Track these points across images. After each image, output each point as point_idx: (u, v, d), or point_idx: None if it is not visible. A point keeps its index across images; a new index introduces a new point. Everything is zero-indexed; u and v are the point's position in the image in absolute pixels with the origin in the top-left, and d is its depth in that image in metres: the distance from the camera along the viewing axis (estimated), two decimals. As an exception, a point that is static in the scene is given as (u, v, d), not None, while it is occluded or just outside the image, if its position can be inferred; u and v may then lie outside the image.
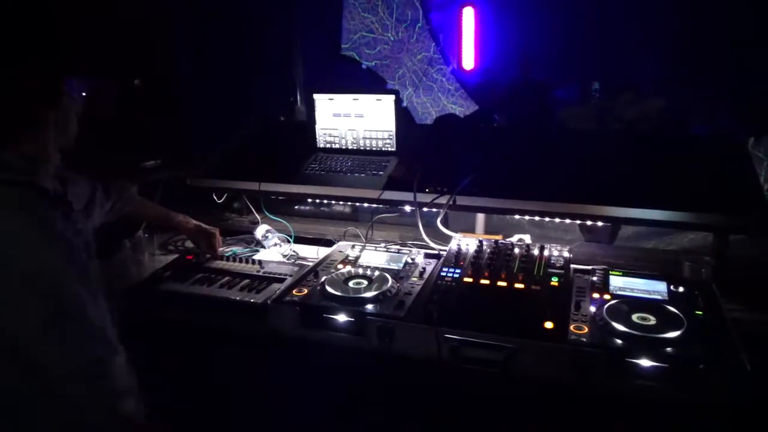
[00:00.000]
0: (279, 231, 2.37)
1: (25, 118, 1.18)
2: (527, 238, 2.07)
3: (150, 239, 2.26)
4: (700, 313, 1.64)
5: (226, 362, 1.87)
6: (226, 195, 2.49)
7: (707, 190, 1.83)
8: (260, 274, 2.04)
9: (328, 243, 2.31)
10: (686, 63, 2.35)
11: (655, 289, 1.78)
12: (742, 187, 1.84)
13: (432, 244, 2.15)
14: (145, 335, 1.53)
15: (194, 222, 2.24)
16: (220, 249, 2.24)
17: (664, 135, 2.13)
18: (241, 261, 2.13)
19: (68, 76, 1.25)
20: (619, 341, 1.52)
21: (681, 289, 1.76)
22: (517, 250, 1.95)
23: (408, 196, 2.06)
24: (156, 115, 2.38)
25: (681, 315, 1.59)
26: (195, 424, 1.92)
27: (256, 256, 2.20)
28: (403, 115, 2.31)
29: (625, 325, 1.55)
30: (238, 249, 2.30)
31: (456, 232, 2.13)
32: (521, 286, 1.76)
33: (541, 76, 2.45)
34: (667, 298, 1.73)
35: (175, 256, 2.24)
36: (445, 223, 2.12)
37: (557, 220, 2.03)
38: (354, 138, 2.32)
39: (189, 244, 2.33)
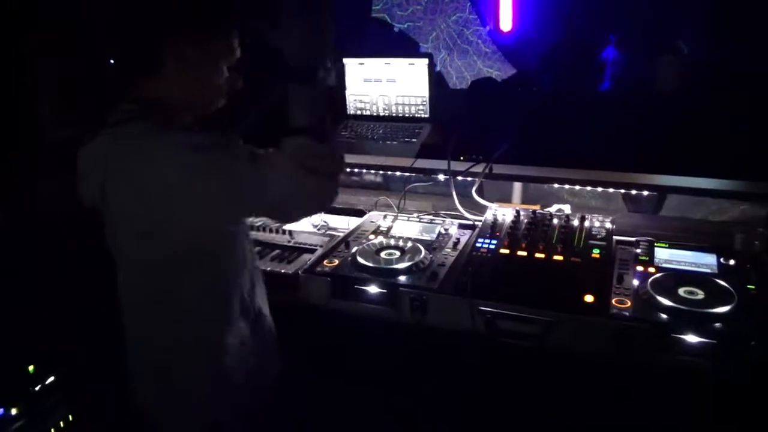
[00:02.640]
0: (310, 200, 2.34)
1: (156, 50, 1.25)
2: (567, 209, 2.00)
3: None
4: (753, 287, 1.57)
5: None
6: (256, 163, 2.46)
7: (761, 157, 1.72)
8: (291, 244, 2.04)
9: (359, 213, 2.28)
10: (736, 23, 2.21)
11: (703, 261, 1.71)
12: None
13: (466, 215, 2.10)
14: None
15: None
16: (249, 219, 2.22)
17: (716, 98, 2.02)
18: (271, 231, 2.12)
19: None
20: (664, 316, 1.48)
21: (732, 262, 1.69)
22: (555, 221, 1.89)
23: (442, 164, 2.01)
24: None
25: (731, 289, 1.53)
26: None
27: (287, 226, 2.18)
28: (436, 79, 2.23)
29: (670, 300, 1.49)
30: (268, 219, 2.28)
31: (491, 201, 2.07)
32: (560, 258, 1.71)
33: (585, 36, 2.32)
34: (716, 271, 1.67)
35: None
36: (480, 193, 2.07)
37: (599, 189, 1.95)
38: (386, 104, 2.26)
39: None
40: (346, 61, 2.27)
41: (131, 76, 1.30)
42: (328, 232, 2.13)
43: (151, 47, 1.25)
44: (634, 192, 1.97)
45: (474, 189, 2.05)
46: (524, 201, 2.19)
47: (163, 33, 1.25)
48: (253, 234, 2.10)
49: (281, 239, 2.06)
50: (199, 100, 1.34)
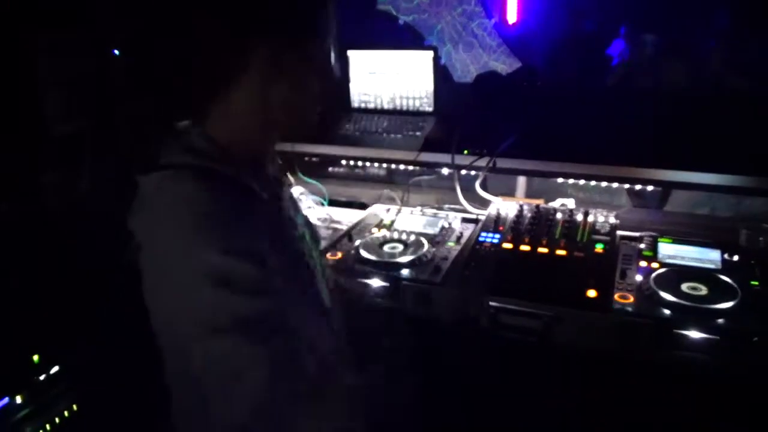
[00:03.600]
0: (313, 193, 2.34)
1: (212, 81, 0.98)
2: (570, 203, 1.99)
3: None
4: (756, 283, 1.56)
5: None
6: (260, 156, 2.46)
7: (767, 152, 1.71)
8: (294, 236, 2.02)
9: (363, 206, 2.28)
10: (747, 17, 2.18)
11: (707, 257, 1.70)
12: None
13: (470, 209, 2.09)
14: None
15: None
16: None
17: (723, 94, 2.00)
18: (275, 223, 2.12)
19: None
20: (666, 311, 1.47)
21: (736, 258, 1.68)
22: (559, 216, 1.88)
23: (446, 158, 2.00)
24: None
25: (735, 285, 1.52)
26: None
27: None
28: (441, 72, 2.22)
29: (673, 295, 1.48)
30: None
31: (495, 195, 2.06)
32: (563, 252, 1.70)
33: (592, 30, 2.30)
34: (720, 267, 1.65)
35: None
36: (484, 187, 2.06)
37: (604, 184, 1.94)
38: (390, 97, 2.25)
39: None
40: (350, 53, 2.26)
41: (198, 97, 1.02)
42: (331, 225, 2.13)
43: (233, 49, 0.95)
44: (638, 187, 1.96)
45: (478, 183, 2.04)
46: (528, 195, 2.18)
47: (248, 31, 0.95)
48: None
49: (285, 232, 2.06)
50: (286, 120, 1.09)
